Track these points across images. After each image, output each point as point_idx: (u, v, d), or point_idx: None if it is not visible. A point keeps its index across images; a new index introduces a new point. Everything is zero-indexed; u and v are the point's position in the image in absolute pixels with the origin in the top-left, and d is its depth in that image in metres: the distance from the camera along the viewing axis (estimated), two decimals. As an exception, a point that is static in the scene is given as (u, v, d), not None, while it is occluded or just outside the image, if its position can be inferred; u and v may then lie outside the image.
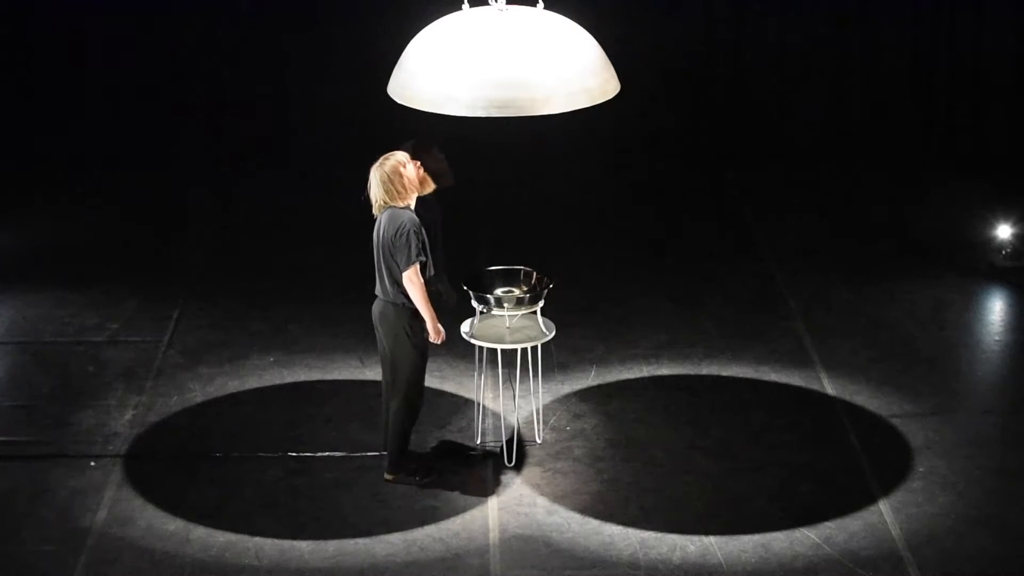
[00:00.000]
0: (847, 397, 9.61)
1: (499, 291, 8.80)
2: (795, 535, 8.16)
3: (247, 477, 8.73)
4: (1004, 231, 11.58)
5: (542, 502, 8.50)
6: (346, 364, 10.04)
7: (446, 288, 8.84)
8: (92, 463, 8.88)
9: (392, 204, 8.37)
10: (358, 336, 10.29)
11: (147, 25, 13.84)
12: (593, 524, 8.30)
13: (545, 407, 9.30)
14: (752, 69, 14.06)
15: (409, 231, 8.32)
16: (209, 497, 8.53)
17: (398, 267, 8.37)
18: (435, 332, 8.50)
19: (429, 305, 8.40)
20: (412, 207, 8.44)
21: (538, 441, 9.08)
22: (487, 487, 8.64)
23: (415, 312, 8.43)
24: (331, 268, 11.51)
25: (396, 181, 8.37)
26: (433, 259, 8.54)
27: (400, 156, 8.44)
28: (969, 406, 9.58)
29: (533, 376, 8.98)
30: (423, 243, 8.38)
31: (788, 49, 14.01)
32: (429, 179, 8.56)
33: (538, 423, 9.12)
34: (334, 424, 9.30)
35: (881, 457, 8.93)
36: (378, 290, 8.49)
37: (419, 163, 8.46)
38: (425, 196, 8.58)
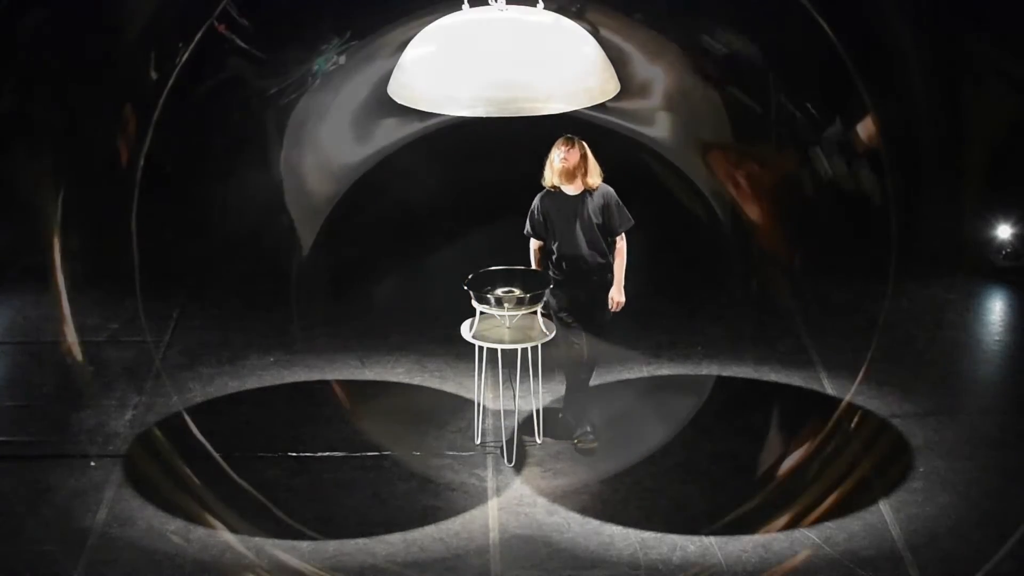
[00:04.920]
0: (847, 397, 9.61)
1: (499, 291, 8.80)
2: (795, 535, 8.16)
3: (247, 477, 8.73)
4: (1004, 231, 11.58)
5: (542, 502, 8.50)
6: (346, 364, 10.04)
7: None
8: (92, 463, 8.88)
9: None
10: (358, 336, 10.29)
11: (151, 22, 13.84)
12: (593, 524, 8.30)
13: (545, 407, 9.30)
14: (752, 68, 14.05)
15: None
16: (209, 497, 8.53)
17: None
18: None
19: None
20: (557, 188, 9.08)
21: (538, 441, 9.07)
22: (487, 487, 8.64)
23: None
24: (332, 268, 11.51)
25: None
26: (564, 241, 8.95)
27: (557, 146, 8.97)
28: (969, 406, 9.57)
29: (533, 376, 8.98)
30: (536, 222, 8.94)
31: (788, 47, 14.00)
32: (567, 173, 8.99)
33: (538, 423, 9.11)
34: (334, 424, 9.30)
35: (881, 457, 8.92)
36: None
37: (563, 154, 8.94)
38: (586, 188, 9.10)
